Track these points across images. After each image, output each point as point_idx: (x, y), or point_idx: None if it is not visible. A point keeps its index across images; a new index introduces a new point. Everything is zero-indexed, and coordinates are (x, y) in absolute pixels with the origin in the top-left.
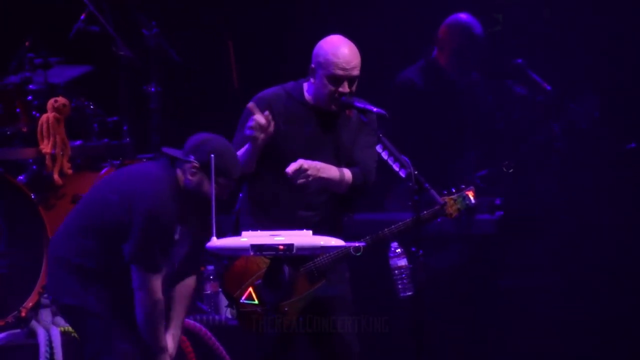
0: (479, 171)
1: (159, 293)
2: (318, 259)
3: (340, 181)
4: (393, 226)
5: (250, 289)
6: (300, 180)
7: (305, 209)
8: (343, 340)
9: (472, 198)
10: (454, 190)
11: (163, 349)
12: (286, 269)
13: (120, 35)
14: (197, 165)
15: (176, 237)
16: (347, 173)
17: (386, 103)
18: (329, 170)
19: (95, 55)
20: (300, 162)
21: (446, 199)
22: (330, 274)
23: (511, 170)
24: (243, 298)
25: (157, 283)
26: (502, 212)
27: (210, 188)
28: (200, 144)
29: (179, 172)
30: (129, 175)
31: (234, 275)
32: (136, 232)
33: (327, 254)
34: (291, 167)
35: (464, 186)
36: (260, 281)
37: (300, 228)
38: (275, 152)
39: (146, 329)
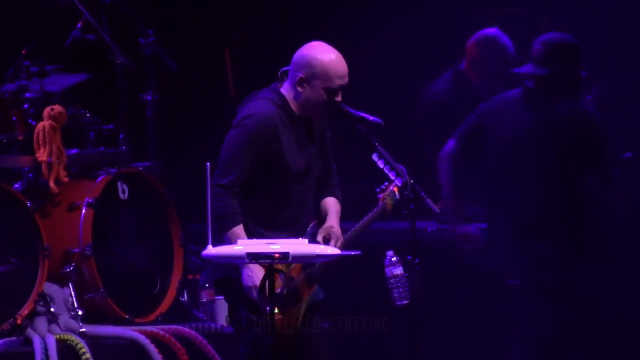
0: None
1: None
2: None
3: None
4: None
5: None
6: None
7: (300, 222)
8: (317, 342)
9: (397, 194)
10: (383, 187)
11: None
12: (282, 277)
13: (117, 43)
14: None
15: None
16: (339, 207)
17: (412, 114)
18: (338, 220)
19: (91, 64)
20: (337, 238)
21: (384, 196)
22: (320, 279)
23: None
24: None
25: None
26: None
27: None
28: None
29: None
30: None
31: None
32: None
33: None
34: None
35: (388, 185)
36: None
37: (297, 236)
38: (276, 165)
39: None
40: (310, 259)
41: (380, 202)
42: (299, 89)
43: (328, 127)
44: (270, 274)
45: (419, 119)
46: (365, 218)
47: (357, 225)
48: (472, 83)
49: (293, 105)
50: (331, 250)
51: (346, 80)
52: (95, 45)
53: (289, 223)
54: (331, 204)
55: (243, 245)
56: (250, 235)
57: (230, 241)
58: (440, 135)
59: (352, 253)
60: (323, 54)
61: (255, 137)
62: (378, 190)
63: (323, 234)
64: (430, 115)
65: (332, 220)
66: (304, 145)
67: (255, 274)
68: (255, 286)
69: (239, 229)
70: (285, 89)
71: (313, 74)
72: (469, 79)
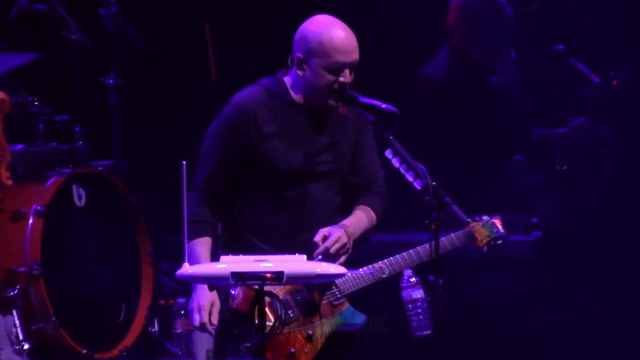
0: (529, 177)
1: None
2: (340, 282)
3: (370, 227)
4: (411, 251)
5: (266, 308)
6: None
7: (308, 230)
8: None
9: (500, 227)
10: (477, 219)
11: None
12: (275, 302)
13: (73, 15)
14: None
15: None
16: (371, 214)
17: (408, 105)
18: (360, 225)
19: (41, 41)
20: (338, 236)
21: (474, 224)
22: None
23: (565, 167)
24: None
25: None
26: (539, 233)
27: None
28: None
29: None
30: None
31: (245, 292)
32: None
33: (351, 277)
34: (329, 243)
35: (486, 217)
36: (274, 299)
37: (301, 250)
38: (266, 165)
39: None
40: (308, 280)
41: (465, 227)
42: (299, 72)
43: (365, 120)
44: (260, 298)
45: (419, 109)
46: (413, 252)
47: (416, 249)
48: (466, 55)
49: (295, 93)
50: (335, 269)
51: (353, 57)
52: (46, 17)
53: (287, 233)
54: (357, 209)
55: (227, 263)
56: (244, 247)
57: (190, 256)
58: (445, 125)
59: (363, 272)
60: (321, 27)
61: (225, 129)
62: (473, 219)
63: (321, 234)
64: (431, 104)
65: (345, 221)
66: (308, 140)
67: (200, 294)
68: (200, 307)
69: (200, 244)
70: (289, 75)
71: (309, 51)
72: (462, 52)
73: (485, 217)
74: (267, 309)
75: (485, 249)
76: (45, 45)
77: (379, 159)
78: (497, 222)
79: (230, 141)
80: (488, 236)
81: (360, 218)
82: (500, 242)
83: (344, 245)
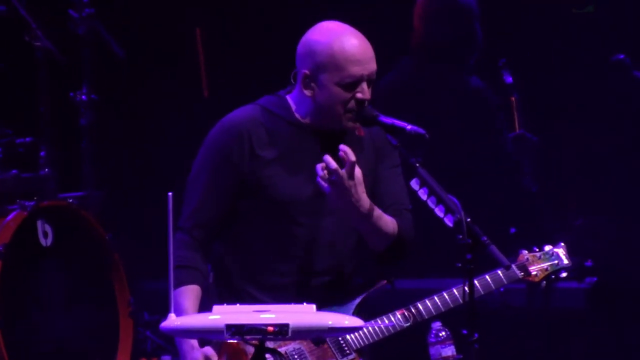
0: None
1: None
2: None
3: (390, 234)
4: (444, 292)
5: None
6: (324, 182)
7: (318, 277)
8: None
9: (564, 257)
10: (536, 249)
11: None
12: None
13: (37, 18)
14: None
15: None
16: (395, 225)
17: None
18: (381, 219)
19: (0, 48)
20: (352, 162)
21: (528, 255)
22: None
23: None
24: None
25: None
26: (595, 279)
27: None
28: None
29: None
30: None
31: (232, 348)
32: None
33: (365, 329)
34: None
35: (549, 246)
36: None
37: (309, 301)
38: (264, 196)
39: None
40: (318, 334)
41: (518, 260)
42: (306, 92)
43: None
44: (260, 355)
45: None
46: (440, 297)
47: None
48: (429, 64)
49: (300, 114)
50: (350, 321)
51: (370, 68)
52: (6, 20)
53: (291, 282)
54: None
55: (221, 314)
56: (240, 298)
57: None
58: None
59: (383, 324)
60: (330, 35)
61: (213, 156)
62: (524, 251)
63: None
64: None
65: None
66: (316, 167)
67: (188, 354)
68: None
69: (185, 293)
70: (293, 94)
71: (318, 65)
72: (425, 60)
73: (547, 247)
74: None
75: (543, 284)
76: (3, 53)
77: (407, 191)
78: (561, 252)
79: (219, 170)
80: (546, 269)
81: (383, 215)
82: (564, 274)
83: (350, 191)
